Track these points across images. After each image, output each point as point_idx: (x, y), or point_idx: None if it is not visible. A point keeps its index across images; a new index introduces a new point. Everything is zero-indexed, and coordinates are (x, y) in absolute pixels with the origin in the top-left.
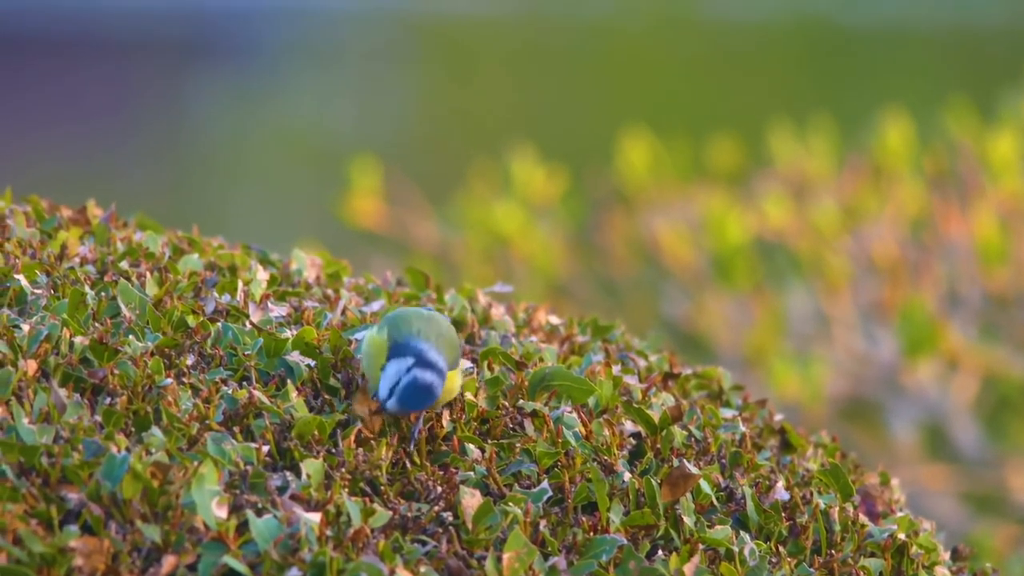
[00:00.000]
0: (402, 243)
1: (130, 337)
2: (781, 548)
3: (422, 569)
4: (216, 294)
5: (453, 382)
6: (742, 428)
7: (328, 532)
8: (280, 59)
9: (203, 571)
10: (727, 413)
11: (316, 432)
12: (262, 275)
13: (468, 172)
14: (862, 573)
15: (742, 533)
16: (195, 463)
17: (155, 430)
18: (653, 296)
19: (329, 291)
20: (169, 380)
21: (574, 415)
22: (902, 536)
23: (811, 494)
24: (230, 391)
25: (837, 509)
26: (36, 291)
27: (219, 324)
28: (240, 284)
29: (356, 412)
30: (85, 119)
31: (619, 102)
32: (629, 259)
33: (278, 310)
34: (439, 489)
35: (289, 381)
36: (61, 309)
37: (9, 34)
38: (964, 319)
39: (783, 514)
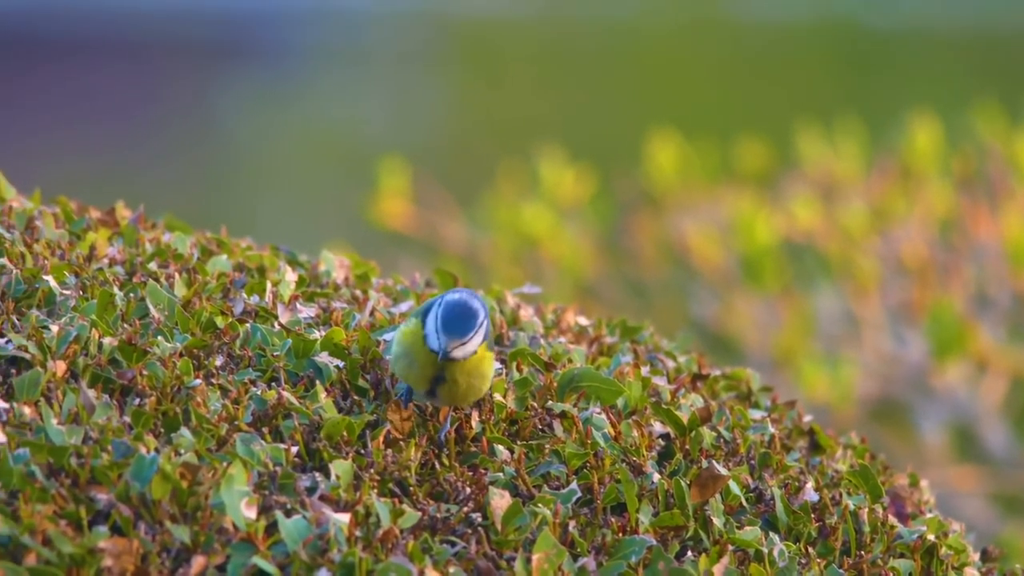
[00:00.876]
0: (430, 244)
1: (159, 338)
2: (810, 549)
3: (451, 570)
4: (245, 295)
5: (486, 364)
6: (771, 429)
7: (357, 533)
8: (308, 61)
9: (232, 572)
10: (756, 414)
11: (345, 433)
12: (291, 276)
13: (496, 173)
14: (891, 574)
15: (771, 534)
16: (224, 464)
17: (184, 431)
18: (682, 297)
19: (358, 292)
20: (198, 381)
21: (603, 416)
22: (931, 537)
23: (840, 495)
24: (259, 392)
25: (866, 510)
26: (65, 292)
27: (248, 325)
28: (269, 285)
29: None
30: (114, 120)
31: (647, 104)
32: (657, 260)
33: (307, 311)
34: (468, 490)
35: (318, 382)
36: (90, 310)
37: (39, 35)
38: (993, 320)
39: (812, 515)
